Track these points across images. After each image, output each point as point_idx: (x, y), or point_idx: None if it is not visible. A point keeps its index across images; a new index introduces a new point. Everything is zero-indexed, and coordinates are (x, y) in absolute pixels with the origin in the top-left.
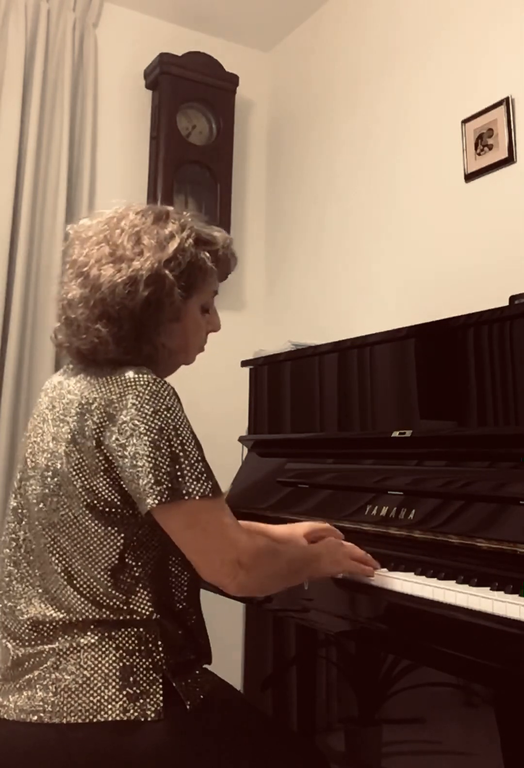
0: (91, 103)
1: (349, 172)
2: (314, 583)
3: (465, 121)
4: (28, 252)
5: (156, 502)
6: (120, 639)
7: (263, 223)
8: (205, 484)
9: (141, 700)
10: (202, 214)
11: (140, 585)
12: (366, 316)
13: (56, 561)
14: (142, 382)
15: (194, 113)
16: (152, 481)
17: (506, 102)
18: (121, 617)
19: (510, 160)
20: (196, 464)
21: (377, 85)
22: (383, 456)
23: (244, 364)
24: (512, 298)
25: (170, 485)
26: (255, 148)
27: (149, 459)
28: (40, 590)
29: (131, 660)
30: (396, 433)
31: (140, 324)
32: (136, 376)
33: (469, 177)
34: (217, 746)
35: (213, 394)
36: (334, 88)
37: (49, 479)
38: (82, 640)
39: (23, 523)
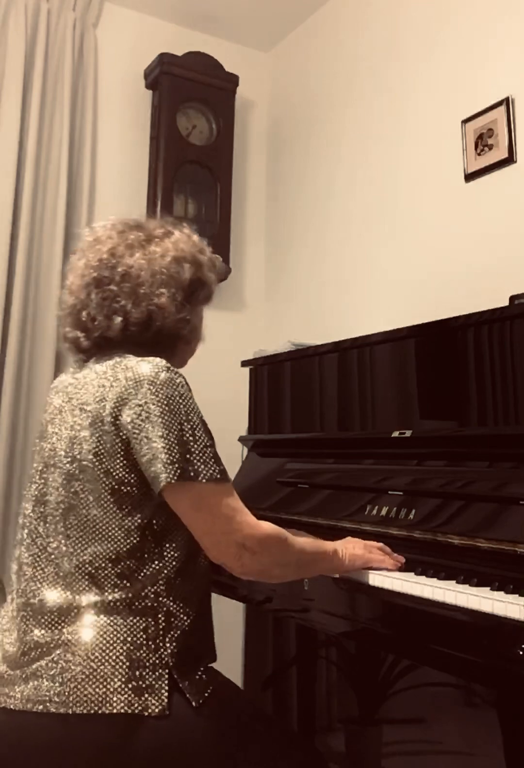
0: (91, 102)
1: (349, 172)
2: (314, 582)
3: (465, 121)
4: (28, 252)
5: (166, 481)
6: (128, 632)
7: (263, 223)
8: (213, 467)
9: (146, 695)
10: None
11: (156, 577)
12: (366, 316)
13: (70, 546)
14: (156, 369)
15: (194, 113)
16: (164, 461)
17: (506, 102)
18: (132, 606)
19: (510, 160)
20: (205, 449)
21: (377, 85)
22: (384, 456)
23: (244, 364)
24: (512, 298)
25: (179, 466)
26: (255, 148)
27: (163, 441)
28: (51, 575)
29: (139, 654)
30: (396, 433)
31: (189, 296)
32: (150, 364)
33: (469, 177)
34: (219, 743)
35: (213, 394)
36: (334, 87)
37: (68, 465)
38: (90, 631)
39: (41, 508)
